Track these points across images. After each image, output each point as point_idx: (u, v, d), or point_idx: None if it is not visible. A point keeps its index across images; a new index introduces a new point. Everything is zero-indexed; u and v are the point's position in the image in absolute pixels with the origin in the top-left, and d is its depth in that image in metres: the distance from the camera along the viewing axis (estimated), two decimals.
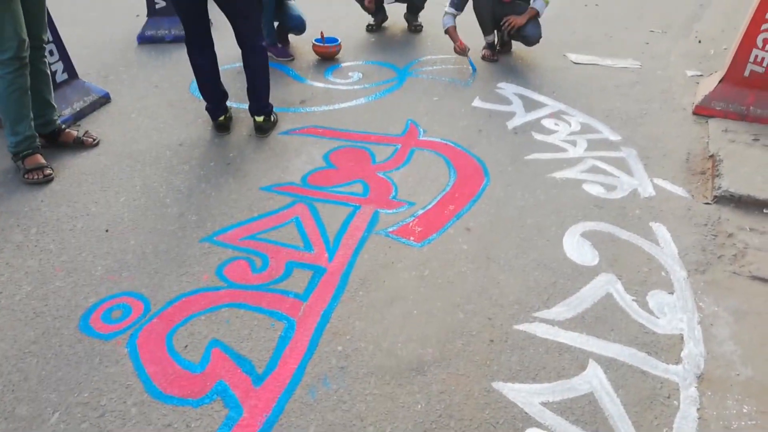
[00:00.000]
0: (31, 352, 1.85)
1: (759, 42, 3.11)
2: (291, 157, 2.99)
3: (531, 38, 4.03)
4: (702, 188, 2.67)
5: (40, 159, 2.78)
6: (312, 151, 3.05)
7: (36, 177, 2.73)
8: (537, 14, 3.97)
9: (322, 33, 4.27)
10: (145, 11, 4.61)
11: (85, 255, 2.28)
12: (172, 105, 3.56)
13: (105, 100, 3.55)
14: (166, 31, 4.49)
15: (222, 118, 3.24)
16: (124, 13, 5.28)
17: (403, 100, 3.63)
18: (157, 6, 4.50)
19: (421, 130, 3.27)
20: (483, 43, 4.25)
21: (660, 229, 2.40)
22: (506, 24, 3.99)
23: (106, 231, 2.42)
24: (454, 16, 4.07)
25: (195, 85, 3.67)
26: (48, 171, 2.76)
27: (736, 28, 3.40)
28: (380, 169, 2.89)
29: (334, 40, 4.27)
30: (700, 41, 4.42)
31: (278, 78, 3.98)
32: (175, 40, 4.44)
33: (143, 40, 4.52)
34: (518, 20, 3.96)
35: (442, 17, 4.08)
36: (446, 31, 4.08)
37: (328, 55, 4.25)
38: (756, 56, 3.15)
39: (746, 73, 3.19)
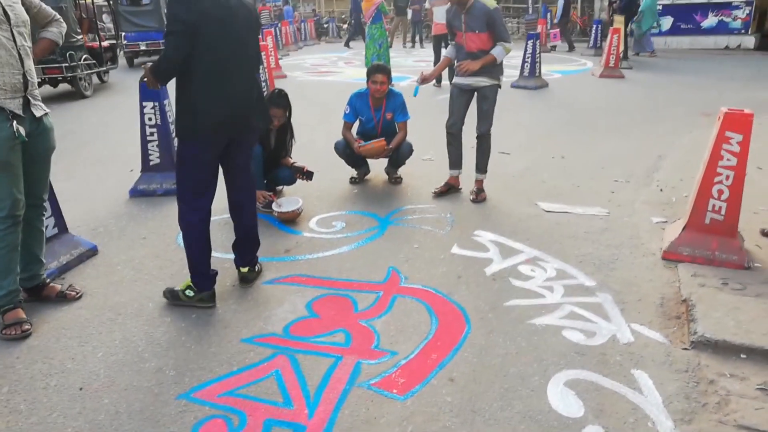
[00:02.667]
0: None
1: (714, 193, 3.35)
2: (274, 307, 3.02)
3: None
4: (679, 333, 2.71)
5: (21, 314, 2.77)
6: (295, 300, 3.08)
7: (14, 333, 2.70)
8: (494, 60, 4.20)
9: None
10: (139, 166, 4.87)
11: (56, 416, 2.19)
12: (159, 256, 3.64)
13: (92, 252, 3.63)
14: (158, 185, 4.70)
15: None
16: (119, 168, 5.55)
17: (385, 247, 3.76)
18: (151, 162, 4.76)
19: (403, 277, 3.35)
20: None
21: (642, 377, 2.39)
22: (459, 68, 4.27)
23: (80, 389, 2.35)
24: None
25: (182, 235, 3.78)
26: (26, 326, 2.74)
27: (693, 176, 3.66)
28: (362, 317, 2.91)
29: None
30: (661, 189, 4.73)
31: (263, 228, 4.10)
32: (166, 193, 4.63)
33: (135, 193, 4.72)
34: (471, 65, 4.21)
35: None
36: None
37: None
38: (714, 205, 3.37)
39: (707, 221, 3.39)
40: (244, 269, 3.27)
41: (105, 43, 11.18)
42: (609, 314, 2.91)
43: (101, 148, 6.48)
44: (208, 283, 3.03)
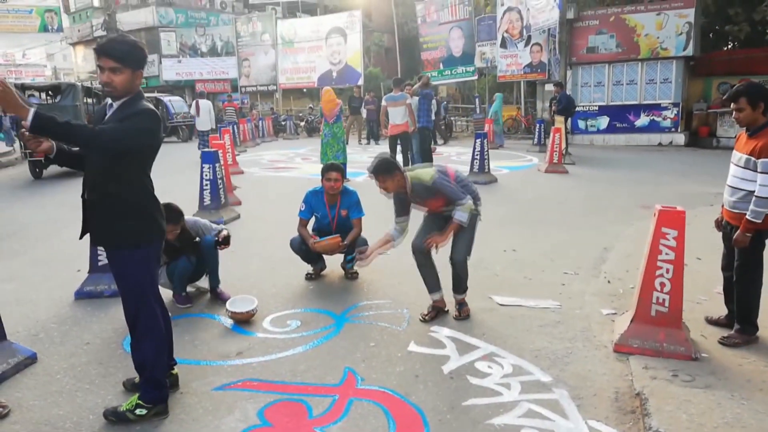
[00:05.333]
0: None
1: (657, 285, 3.49)
2: (223, 416, 2.88)
3: (455, 260, 4.05)
4: (634, 428, 2.72)
5: None
6: (246, 407, 2.96)
7: None
8: (459, 226, 3.92)
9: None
10: (86, 266, 4.73)
11: None
12: (103, 363, 3.46)
13: (31, 360, 3.43)
14: (106, 286, 4.54)
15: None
16: (66, 267, 5.37)
17: (341, 347, 3.70)
18: (99, 263, 4.63)
19: (359, 378, 3.28)
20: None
21: None
22: (428, 244, 3.97)
23: None
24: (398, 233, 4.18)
25: (128, 340, 3.63)
26: None
27: (638, 268, 3.80)
28: (317, 424, 2.81)
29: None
30: (609, 281, 4.88)
31: (214, 328, 4.02)
32: (113, 295, 4.46)
33: (81, 295, 4.55)
34: (439, 239, 3.94)
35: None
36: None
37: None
38: (657, 298, 3.50)
39: (653, 313, 3.51)
40: (174, 371, 3.16)
41: None
42: (566, 411, 2.90)
43: (50, 245, 6.29)
44: (166, 393, 2.92)
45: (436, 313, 4.19)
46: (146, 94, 3.03)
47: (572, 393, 3.07)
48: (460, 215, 3.90)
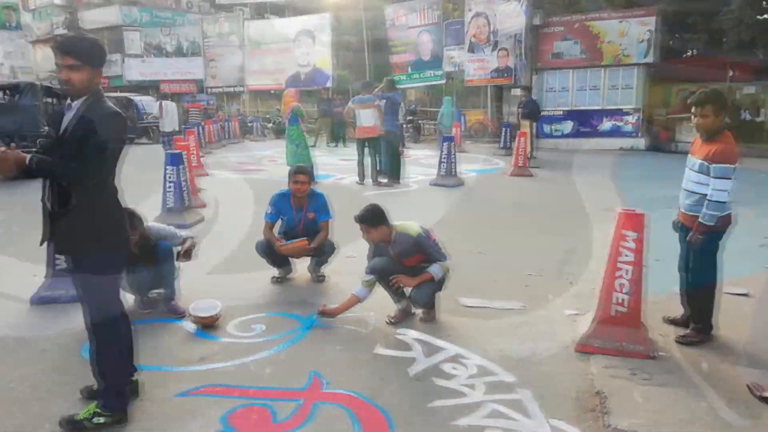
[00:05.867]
0: None
1: (617, 287, 3.57)
2: (186, 422, 2.83)
3: (417, 300, 4.07)
4: (594, 426, 2.78)
5: None
6: (210, 413, 2.91)
7: None
8: (431, 279, 4.00)
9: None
10: (43, 271, 4.58)
11: None
12: (59, 370, 3.37)
13: None
14: (63, 292, 4.39)
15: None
16: (21, 273, 5.20)
17: (307, 350, 3.68)
18: (57, 267, 4.49)
19: (325, 381, 3.26)
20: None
21: None
22: (394, 281, 4.03)
23: None
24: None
25: (86, 347, 3.53)
26: None
27: (600, 269, 3.88)
28: (282, 428, 2.79)
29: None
30: (571, 283, 4.98)
31: (177, 333, 3.95)
32: (71, 300, 4.31)
33: (38, 301, 4.41)
34: (407, 281, 4.00)
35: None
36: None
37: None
38: (618, 298, 3.58)
39: (613, 313, 3.59)
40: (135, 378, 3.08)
41: None
42: (529, 410, 2.94)
43: (5, 250, 6.07)
44: (125, 400, 2.86)
45: (403, 316, 4.19)
46: (114, 94, 2.97)
47: (535, 393, 3.11)
48: (437, 270, 4.01)
